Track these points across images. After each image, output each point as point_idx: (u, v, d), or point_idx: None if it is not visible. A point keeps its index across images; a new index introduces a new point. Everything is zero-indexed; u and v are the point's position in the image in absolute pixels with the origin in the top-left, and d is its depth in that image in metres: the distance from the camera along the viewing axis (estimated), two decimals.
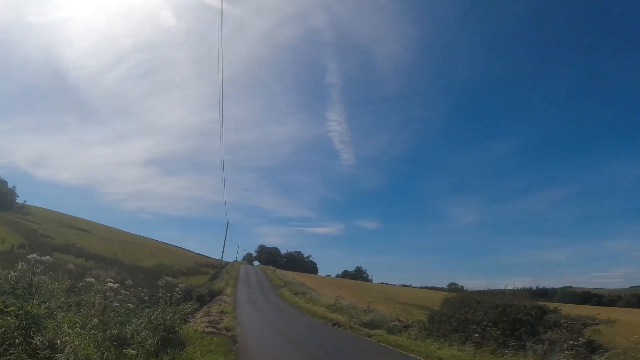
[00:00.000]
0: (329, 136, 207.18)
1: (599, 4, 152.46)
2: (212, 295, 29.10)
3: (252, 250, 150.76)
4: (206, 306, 22.61)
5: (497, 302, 15.94)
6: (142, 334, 7.94)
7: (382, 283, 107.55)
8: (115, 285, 7.88)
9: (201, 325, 14.58)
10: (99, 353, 6.10)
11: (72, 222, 78.62)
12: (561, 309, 15.42)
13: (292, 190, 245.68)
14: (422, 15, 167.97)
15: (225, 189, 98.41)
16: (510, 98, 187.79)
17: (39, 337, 5.45)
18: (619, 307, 66.23)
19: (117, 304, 7.82)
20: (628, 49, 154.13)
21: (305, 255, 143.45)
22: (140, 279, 24.54)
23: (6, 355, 4.98)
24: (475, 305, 16.31)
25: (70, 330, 6.11)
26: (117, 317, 7.71)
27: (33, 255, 6.51)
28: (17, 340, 5.17)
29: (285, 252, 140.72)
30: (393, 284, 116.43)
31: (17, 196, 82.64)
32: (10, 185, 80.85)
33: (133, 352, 6.75)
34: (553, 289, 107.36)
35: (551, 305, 16.34)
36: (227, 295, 30.18)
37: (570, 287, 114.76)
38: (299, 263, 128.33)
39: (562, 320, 13.61)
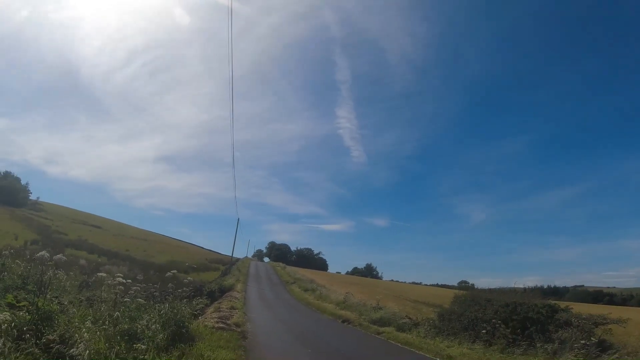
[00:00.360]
0: (339, 133, 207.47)
1: None
2: (223, 291, 29.26)
3: (263, 247, 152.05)
4: (217, 302, 22.77)
5: (508, 300, 15.78)
6: (153, 327, 7.99)
7: (392, 280, 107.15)
8: (124, 280, 7.97)
9: (211, 320, 14.72)
10: (109, 348, 6.18)
11: (84, 219, 79.92)
12: (572, 308, 15.26)
13: (302, 187, 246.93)
14: (433, 10, 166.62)
15: (235, 186, 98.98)
16: (522, 95, 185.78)
17: (50, 332, 5.53)
18: (631, 306, 65.06)
19: (127, 299, 7.91)
20: None
21: (315, 252, 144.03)
22: (151, 275, 24.87)
23: (18, 350, 5.03)
24: (486, 304, 16.19)
25: (81, 325, 6.20)
26: (127, 312, 7.81)
27: (42, 252, 6.61)
28: (28, 335, 5.23)
29: (295, 248, 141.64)
30: (403, 281, 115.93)
31: (31, 193, 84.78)
32: (23, 182, 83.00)
33: (143, 346, 6.79)
34: (564, 287, 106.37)
35: (562, 304, 16.16)
36: (238, 292, 30.42)
37: (582, 286, 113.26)
38: (309, 260, 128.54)
39: (573, 319, 13.46)
